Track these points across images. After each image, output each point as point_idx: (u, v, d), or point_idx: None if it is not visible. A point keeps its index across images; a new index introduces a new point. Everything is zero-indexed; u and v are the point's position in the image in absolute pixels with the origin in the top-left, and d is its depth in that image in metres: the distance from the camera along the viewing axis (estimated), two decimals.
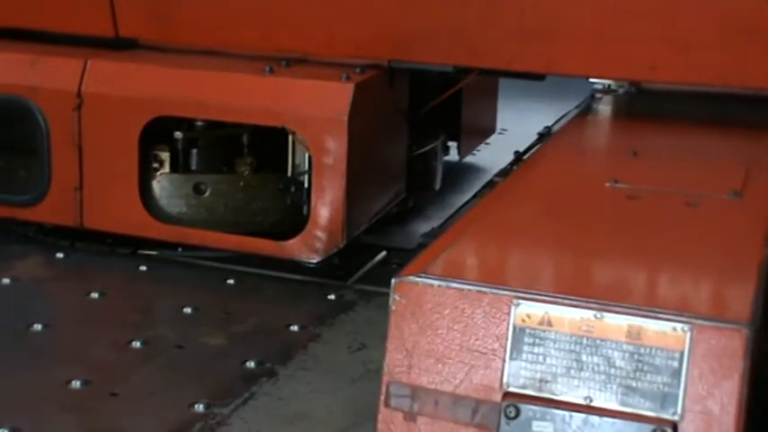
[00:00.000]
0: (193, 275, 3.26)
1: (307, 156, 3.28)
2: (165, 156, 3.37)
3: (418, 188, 3.86)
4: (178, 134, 3.38)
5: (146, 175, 3.35)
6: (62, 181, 3.38)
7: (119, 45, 3.53)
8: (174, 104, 3.30)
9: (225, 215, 3.38)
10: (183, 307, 2.99)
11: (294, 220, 3.32)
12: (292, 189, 3.38)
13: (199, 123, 3.40)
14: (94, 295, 3.06)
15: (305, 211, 3.27)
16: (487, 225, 2.28)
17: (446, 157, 4.19)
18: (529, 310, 1.84)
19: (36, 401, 2.49)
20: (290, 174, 3.38)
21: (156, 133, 3.34)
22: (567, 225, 2.27)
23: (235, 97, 3.25)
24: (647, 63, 3.08)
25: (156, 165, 3.37)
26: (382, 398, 1.91)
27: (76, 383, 2.54)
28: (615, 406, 1.79)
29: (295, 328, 2.90)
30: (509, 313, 1.85)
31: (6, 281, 3.14)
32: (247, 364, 2.67)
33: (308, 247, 3.20)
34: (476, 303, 1.87)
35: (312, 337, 2.85)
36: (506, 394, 1.84)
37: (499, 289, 1.87)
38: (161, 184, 3.37)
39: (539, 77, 3.40)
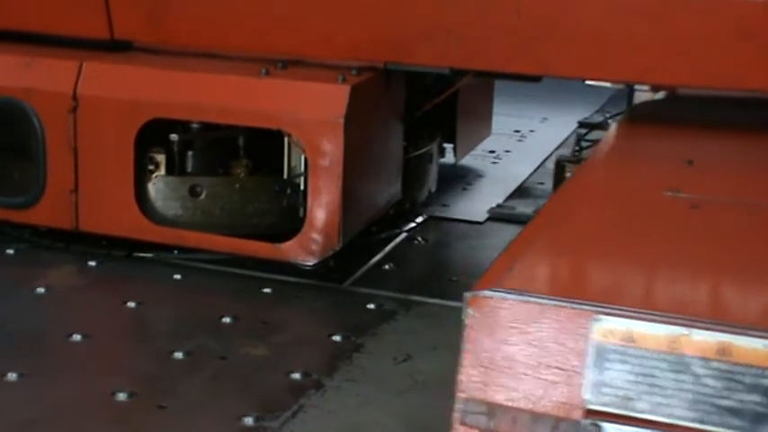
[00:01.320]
0: (229, 284, 3.23)
1: (303, 158, 3.28)
2: (161, 158, 3.36)
3: (414, 190, 3.86)
4: (174, 136, 3.37)
5: (141, 178, 3.34)
6: (57, 183, 3.37)
7: (114, 47, 3.52)
8: (170, 107, 3.29)
9: (221, 217, 3.37)
10: (221, 317, 2.95)
11: (290, 222, 3.31)
12: (288, 191, 3.37)
13: (194, 125, 3.40)
14: (131, 304, 3.03)
15: (301, 214, 3.27)
16: (554, 236, 2.20)
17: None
18: (611, 326, 1.77)
19: (83, 414, 2.46)
20: (285, 176, 3.37)
21: (152, 135, 3.33)
22: (636, 236, 2.20)
23: (230, 99, 3.25)
24: (643, 65, 3.08)
25: (151, 167, 3.36)
26: (457, 415, 1.85)
27: (122, 395, 2.50)
28: (703, 426, 1.72)
29: (337, 338, 2.86)
30: (589, 329, 1.78)
31: (41, 290, 3.11)
32: (293, 375, 2.64)
33: (304, 250, 3.20)
34: (554, 318, 1.80)
35: (356, 348, 2.81)
36: (587, 412, 1.77)
37: (579, 303, 1.80)
38: (157, 187, 3.37)
39: (535, 79, 3.41)
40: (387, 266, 3.41)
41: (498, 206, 3.96)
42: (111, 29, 3.52)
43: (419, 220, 3.81)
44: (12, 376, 2.58)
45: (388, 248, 3.56)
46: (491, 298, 1.84)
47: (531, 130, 5.03)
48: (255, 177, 3.40)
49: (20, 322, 2.94)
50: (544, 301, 1.82)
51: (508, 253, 2.10)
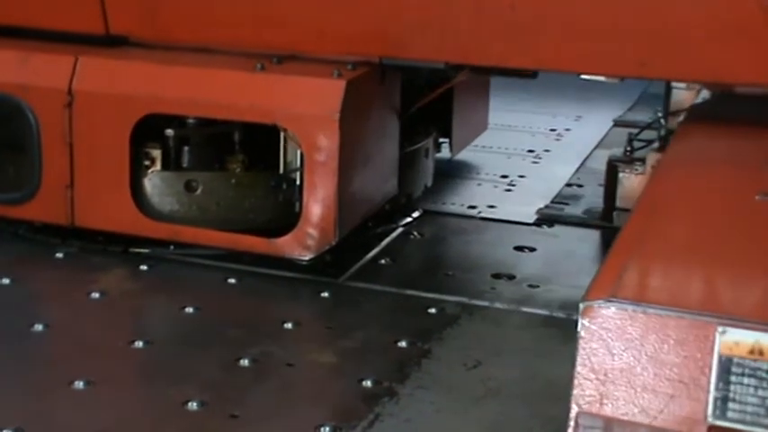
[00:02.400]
0: (285, 288, 3.19)
1: (298, 153, 3.28)
2: (157, 153, 3.36)
3: (410, 185, 3.86)
4: (169, 132, 3.37)
5: (137, 173, 3.34)
6: (53, 179, 3.37)
7: (109, 42, 3.52)
8: (166, 102, 3.29)
9: (217, 213, 3.37)
10: (283, 322, 2.91)
11: (286, 217, 3.31)
12: (284, 186, 3.37)
13: (190, 121, 3.39)
14: (189, 310, 2.98)
15: (297, 209, 3.27)
16: (656, 243, 2.13)
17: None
18: (737, 338, 1.71)
19: (155, 424, 2.43)
20: (281, 171, 3.37)
21: (148, 131, 3.33)
22: (739, 243, 2.12)
23: (226, 94, 3.25)
24: (636, 59, 3.08)
25: (147, 162, 3.36)
26: (570, 430, 1.79)
27: (193, 404, 2.46)
28: None
29: (403, 343, 2.81)
30: (714, 341, 1.72)
31: (96, 295, 3.06)
32: (364, 382, 2.59)
33: (300, 245, 3.20)
34: (675, 330, 1.74)
35: (423, 354, 2.76)
36: (711, 428, 1.71)
37: (702, 315, 1.74)
38: (152, 182, 3.36)
39: (530, 75, 3.41)
40: (383, 261, 3.41)
41: (546, 207, 3.92)
42: (106, 24, 3.52)
43: (415, 214, 3.81)
44: (79, 384, 2.53)
45: (384, 243, 3.56)
46: (607, 308, 1.79)
47: (567, 129, 5.05)
48: (251, 173, 3.40)
49: (80, 328, 2.89)
50: (664, 312, 1.76)
51: (611, 262, 2.01)
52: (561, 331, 2.91)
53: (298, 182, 3.30)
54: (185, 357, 2.75)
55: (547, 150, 4.70)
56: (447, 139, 4.21)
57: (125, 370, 2.69)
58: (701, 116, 3.20)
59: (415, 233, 3.68)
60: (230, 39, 3.44)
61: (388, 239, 3.59)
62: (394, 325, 2.94)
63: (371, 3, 3.28)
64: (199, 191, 3.36)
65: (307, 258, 3.20)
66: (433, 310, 3.03)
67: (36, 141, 3.36)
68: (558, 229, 3.77)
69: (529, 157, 4.62)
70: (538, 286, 3.24)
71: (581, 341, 1.80)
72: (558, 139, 4.89)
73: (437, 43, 3.24)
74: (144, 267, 3.28)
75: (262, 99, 3.22)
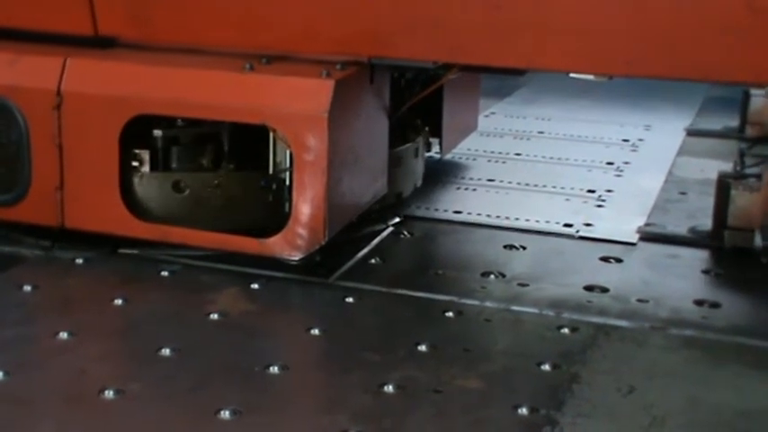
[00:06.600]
0: (408, 308, 3.09)
1: (288, 153, 3.28)
2: (146, 154, 3.36)
3: (400, 184, 3.86)
4: (158, 132, 3.37)
5: (126, 174, 3.34)
6: (42, 180, 3.37)
7: (98, 44, 3.52)
8: (155, 103, 3.29)
9: (206, 213, 3.37)
10: (417, 343, 2.80)
11: (276, 217, 3.31)
12: (274, 186, 3.38)
13: (179, 121, 3.40)
14: (315, 331, 2.89)
15: (286, 209, 3.27)
16: None
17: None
18: None
19: None
20: (271, 171, 3.37)
21: (137, 132, 3.33)
22: None
23: (215, 95, 3.25)
24: (624, 58, 3.09)
25: (136, 163, 3.36)
26: None
27: None
28: None
29: (547, 367, 2.70)
30: None
31: (215, 316, 2.96)
32: (519, 410, 2.47)
33: (290, 245, 3.20)
34: None
35: (571, 378, 2.65)
36: None
37: None
38: (142, 183, 3.37)
39: (518, 72, 3.42)
40: (373, 261, 3.42)
41: (647, 225, 3.76)
42: (95, 25, 3.52)
43: (395, 220, 3.79)
44: (225, 414, 2.43)
45: (374, 243, 3.56)
46: None
47: (641, 140, 4.97)
48: (241, 173, 3.40)
49: (210, 352, 2.78)
50: None
51: None
52: (706, 353, 2.83)
53: (287, 182, 3.31)
54: (326, 382, 2.69)
55: (626, 162, 4.58)
56: (437, 139, 4.22)
57: (269, 397, 2.55)
58: None
59: (405, 232, 3.69)
60: (219, 39, 3.44)
61: (378, 239, 3.59)
62: (535, 348, 2.84)
63: (360, 3, 3.29)
64: (188, 191, 3.37)
65: (296, 258, 3.20)
66: (566, 331, 2.93)
67: (25, 143, 3.36)
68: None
69: (610, 169, 4.49)
70: (528, 285, 3.25)
71: None
72: (634, 150, 4.79)
73: (425, 43, 3.24)
74: (255, 286, 3.18)
75: (251, 99, 3.22)
